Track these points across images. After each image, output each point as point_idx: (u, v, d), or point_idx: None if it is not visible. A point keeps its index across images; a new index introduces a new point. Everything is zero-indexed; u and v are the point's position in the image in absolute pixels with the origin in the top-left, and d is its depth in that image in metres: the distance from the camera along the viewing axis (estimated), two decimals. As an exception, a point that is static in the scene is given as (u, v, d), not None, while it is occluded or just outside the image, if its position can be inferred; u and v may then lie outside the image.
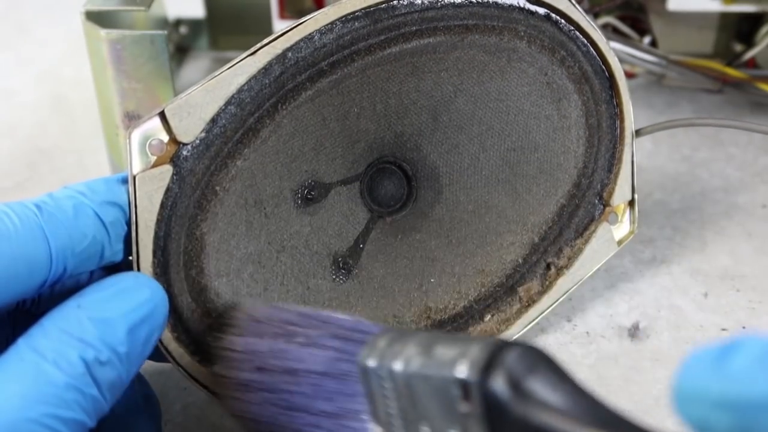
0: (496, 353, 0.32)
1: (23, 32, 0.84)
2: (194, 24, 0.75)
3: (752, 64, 0.65)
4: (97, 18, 0.54)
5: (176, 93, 0.53)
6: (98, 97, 0.57)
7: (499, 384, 0.31)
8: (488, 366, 0.31)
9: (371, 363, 0.35)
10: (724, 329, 0.50)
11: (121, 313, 0.35)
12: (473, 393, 0.31)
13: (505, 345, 0.32)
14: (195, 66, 0.75)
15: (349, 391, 0.36)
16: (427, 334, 0.35)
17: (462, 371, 0.32)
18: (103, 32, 0.52)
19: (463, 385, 0.31)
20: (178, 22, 0.75)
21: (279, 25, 0.66)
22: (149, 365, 0.41)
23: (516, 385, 0.31)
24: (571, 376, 0.31)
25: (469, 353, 0.32)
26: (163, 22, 0.68)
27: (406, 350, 0.34)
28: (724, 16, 0.69)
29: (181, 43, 0.75)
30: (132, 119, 0.55)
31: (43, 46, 0.81)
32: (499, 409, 0.31)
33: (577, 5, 0.46)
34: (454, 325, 0.47)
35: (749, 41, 0.67)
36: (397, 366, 0.34)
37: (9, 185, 0.63)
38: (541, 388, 0.31)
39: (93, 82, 0.57)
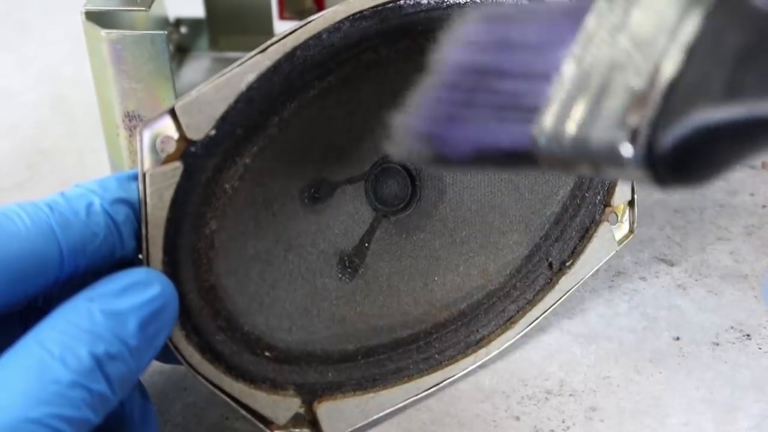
0: None
1: (24, 32, 0.84)
2: (194, 24, 0.75)
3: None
4: (98, 18, 0.53)
5: (177, 93, 0.53)
6: (98, 97, 0.57)
7: None
8: None
9: None
10: (724, 329, 0.50)
11: (132, 307, 0.35)
12: None
13: None
14: (195, 66, 0.75)
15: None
16: None
17: None
18: (103, 32, 0.52)
19: None
20: (178, 22, 0.75)
21: (279, 25, 0.66)
22: (150, 366, 0.41)
23: None
24: None
25: None
26: (163, 22, 0.68)
27: None
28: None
29: (181, 43, 0.75)
30: (132, 119, 0.54)
31: (43, 46, 0.81)
32: None
33: (579, 6, 0.46)
34: (458, 323, 0.48)
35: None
36: None
37: (9, 185, 0.63)
38: None
39: (93, 82, 0.56)
